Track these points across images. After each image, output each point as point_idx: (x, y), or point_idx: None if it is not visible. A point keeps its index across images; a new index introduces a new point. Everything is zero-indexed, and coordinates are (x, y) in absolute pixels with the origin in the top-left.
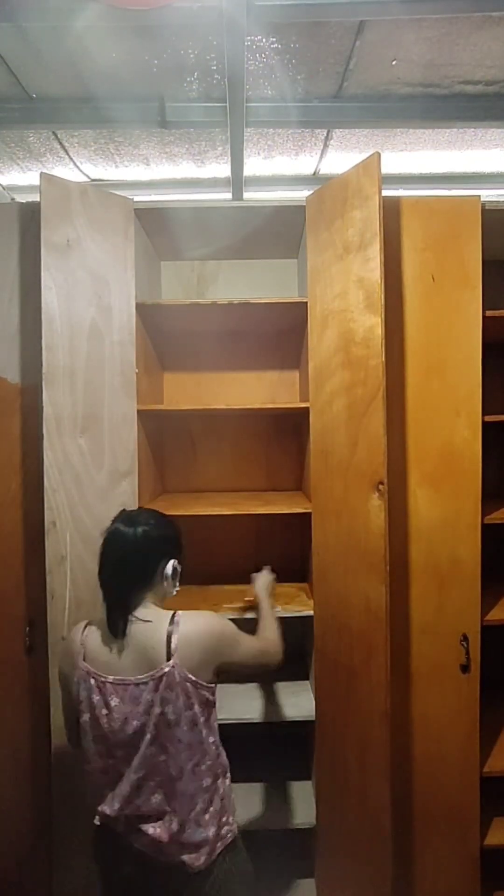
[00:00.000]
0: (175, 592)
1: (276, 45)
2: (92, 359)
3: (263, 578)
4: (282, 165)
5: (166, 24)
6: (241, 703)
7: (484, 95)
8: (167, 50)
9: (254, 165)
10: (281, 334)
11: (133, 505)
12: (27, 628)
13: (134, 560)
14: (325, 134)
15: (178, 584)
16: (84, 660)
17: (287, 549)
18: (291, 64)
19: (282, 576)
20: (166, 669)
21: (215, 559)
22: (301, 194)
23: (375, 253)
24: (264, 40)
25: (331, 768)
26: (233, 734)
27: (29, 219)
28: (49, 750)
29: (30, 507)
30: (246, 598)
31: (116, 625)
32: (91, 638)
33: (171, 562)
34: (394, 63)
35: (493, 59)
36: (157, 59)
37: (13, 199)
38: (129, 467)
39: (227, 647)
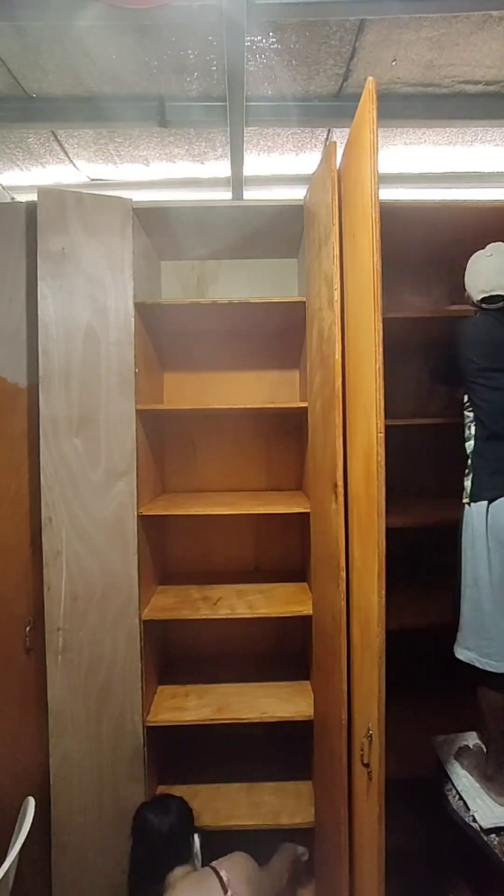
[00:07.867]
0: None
1: (276, 45)
2: (88, 361)
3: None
4: (282, 165)
5: (166, 24)
6: (241, 703)
7: (484, 95)
8: (167, 49)
9: (254, 165)
10: (281, 334)
11: (132, 504)
12: (28, 628)
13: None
14: (325, 133)
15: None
16: None
17: (287, 549)
18: (291, 64)
19: (282, 576)
20: None
21: (215, 559)
22: (301, 194)
23: (331, 247)
24: (264, 40)
25: (331, 768)
26: (233, 734)
27: (31, 219)
28: (48, 750)
29: (32, 507)
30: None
31: None
32: None
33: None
34: (394, 63)
35: (493, 58)
36: (156, 59)
37: (13, 198)
38: (126, 467)
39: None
